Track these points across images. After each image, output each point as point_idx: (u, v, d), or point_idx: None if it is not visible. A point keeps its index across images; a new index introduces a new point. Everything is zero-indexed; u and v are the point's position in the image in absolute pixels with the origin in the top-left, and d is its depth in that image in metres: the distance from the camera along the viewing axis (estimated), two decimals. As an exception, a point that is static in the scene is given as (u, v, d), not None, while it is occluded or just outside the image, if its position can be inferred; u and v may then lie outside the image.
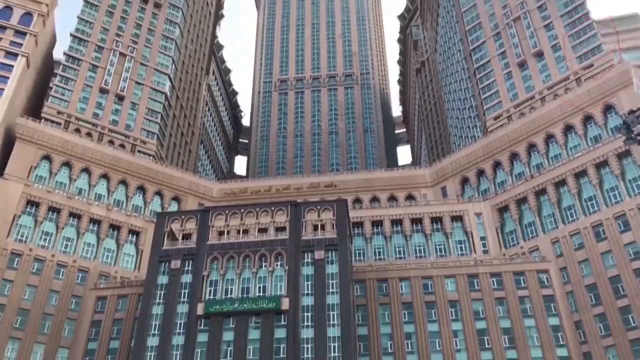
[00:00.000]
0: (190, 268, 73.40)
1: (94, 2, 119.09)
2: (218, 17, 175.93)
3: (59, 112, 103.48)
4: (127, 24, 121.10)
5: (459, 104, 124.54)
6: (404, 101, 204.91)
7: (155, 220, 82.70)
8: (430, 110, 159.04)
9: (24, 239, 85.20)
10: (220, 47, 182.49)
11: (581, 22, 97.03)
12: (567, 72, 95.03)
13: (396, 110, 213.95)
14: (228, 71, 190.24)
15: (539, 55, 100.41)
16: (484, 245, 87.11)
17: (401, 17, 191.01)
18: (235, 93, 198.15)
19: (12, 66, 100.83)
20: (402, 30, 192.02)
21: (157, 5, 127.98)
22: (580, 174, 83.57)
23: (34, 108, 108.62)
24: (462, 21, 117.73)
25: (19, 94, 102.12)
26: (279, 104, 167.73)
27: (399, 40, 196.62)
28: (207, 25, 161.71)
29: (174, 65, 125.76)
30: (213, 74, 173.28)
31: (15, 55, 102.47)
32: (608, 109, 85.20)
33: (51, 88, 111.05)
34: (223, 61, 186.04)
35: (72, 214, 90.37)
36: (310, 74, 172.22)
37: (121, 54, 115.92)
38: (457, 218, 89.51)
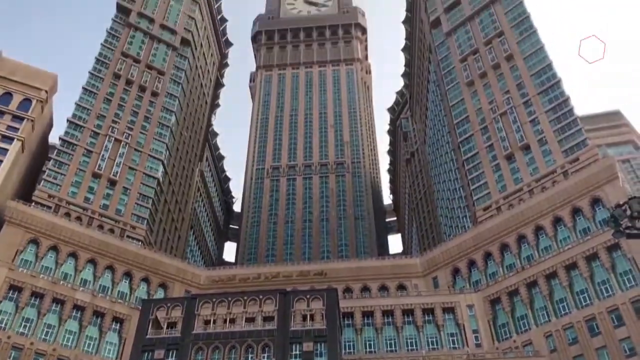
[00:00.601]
0: (174, 359, 70.84)
1: (93, 90, 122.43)
2: (214, 106, 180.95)
3: (50, 196, 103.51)
4: (124, 111, 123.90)
5: (449, 194, 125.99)
6: (394, 190, 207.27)
7: (140, 307, 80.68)
8: (420, 200, 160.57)
9: (3, 325, 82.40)
10: (215, 134, 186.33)
11: (566, 118, 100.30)
12: (553, 165, 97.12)
13: (387, 199, 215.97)
14: (221, 158, 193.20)
15: (526, 148, 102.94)
16: (476, 338, 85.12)
17: (391, 109, 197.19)
18: (227, 179, 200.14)
19: (7, 150, 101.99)
20: (392, 122, 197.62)
21: (155, 94, 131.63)
22: (570, 267, 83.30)
23: (26, 191, 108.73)
24: (450, 115, 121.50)
25: (11, 177, 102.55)
26: (271, 191, 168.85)
27: (389, 132, 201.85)
28: (202, 113, 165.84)
29: (168, 152, 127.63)
30: (206, 160, 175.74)
31: (11, 139, 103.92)
32: (595, 202, 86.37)
33: (44, 172, 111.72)
34: (217, 148, 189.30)
35: (55, 300, 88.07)
36: (302, 162, 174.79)
37: (116, 139, 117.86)
38: (449, 310, 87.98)
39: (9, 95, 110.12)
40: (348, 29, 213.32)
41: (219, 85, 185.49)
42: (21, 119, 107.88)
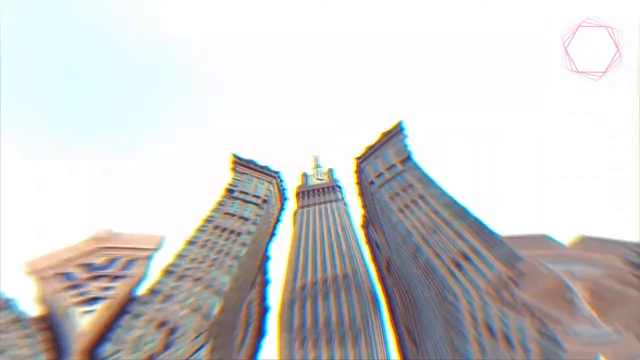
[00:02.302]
0: None
1: (195, 241, 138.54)
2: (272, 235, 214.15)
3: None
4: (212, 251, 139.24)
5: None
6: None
7: None
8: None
9: None
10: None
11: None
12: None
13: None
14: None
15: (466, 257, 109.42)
16: None
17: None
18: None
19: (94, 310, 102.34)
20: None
21: (237, 233, 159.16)
22: None
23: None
24: (396, 231, 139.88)
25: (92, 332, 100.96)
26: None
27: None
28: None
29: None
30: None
31: (105, 298, 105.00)
32: None
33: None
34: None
35: None
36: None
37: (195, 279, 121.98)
38: None
39: (116, 259, 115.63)
40: (334, 187, 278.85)
41: (277, 222, 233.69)
42: (121, 277, 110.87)
